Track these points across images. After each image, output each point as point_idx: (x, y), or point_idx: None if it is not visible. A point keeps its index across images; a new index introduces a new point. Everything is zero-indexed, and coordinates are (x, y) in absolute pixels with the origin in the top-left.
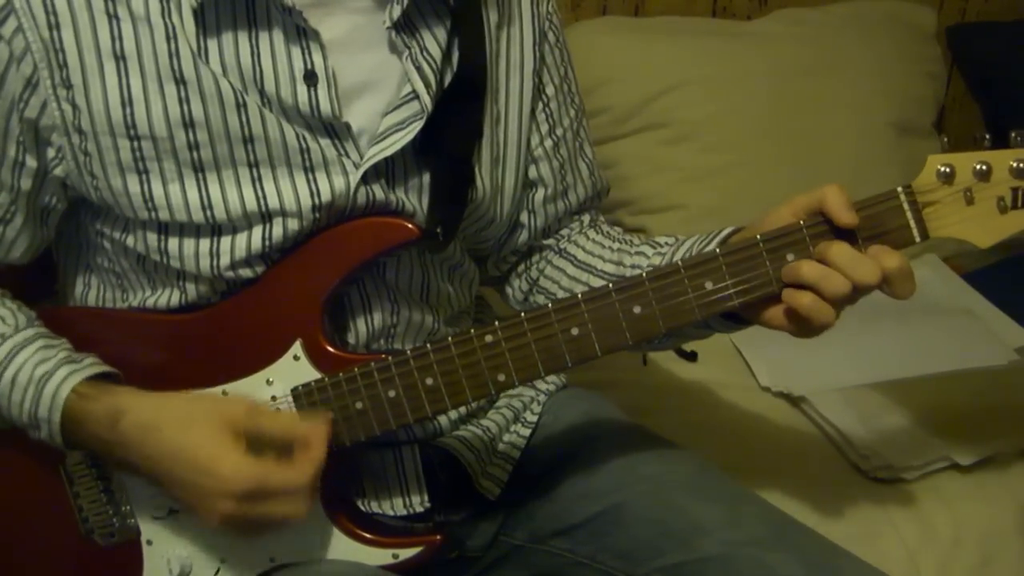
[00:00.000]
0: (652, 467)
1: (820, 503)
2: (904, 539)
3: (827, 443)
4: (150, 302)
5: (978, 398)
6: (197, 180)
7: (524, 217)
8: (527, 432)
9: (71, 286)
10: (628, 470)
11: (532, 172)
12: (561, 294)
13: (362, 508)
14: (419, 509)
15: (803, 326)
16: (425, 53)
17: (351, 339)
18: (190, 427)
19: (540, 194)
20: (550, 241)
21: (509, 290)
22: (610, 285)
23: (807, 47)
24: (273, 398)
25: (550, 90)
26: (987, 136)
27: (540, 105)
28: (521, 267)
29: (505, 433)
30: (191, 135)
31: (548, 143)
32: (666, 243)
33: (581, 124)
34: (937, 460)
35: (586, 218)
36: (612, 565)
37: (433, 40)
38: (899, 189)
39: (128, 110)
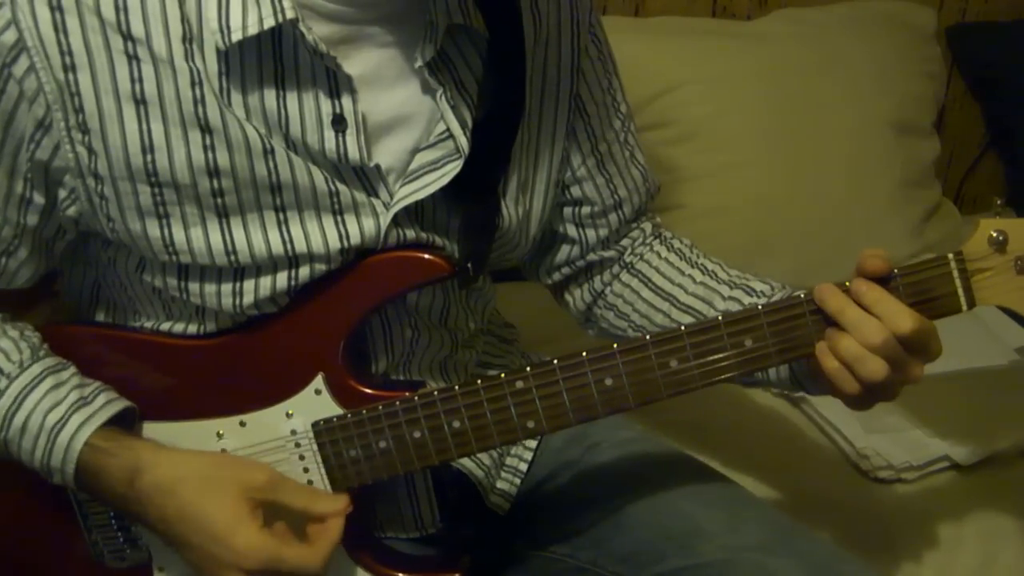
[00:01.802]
0: (652, 472)
1: (820, 503)
2: (904, 539)
3: (827, 443)
4: (164, 328)
5: (978, 398)
6: (220, 225)
7: (573, 231)
8: (534, 444)
9: (75, 300)
10: (628, 475)
11: (576, 191)
12: (636, 317)
13: (375, 534)
14: (431, 531)
15: (836, 394)
16: (461, 88)
17: (372, 366)
18: (209, 493)
19: (588, 210)
20: (611, 253)
21: (569, 299)
22: (647, 337)
23: (807, 47)
24: (293, 432)
25: (591, 108)
26: None
27: (581, 124)
28: (581, 278)
29: (512, 447)
30: (216, 182)
31: (591, 161)
32: (762, 293)
33: (628, 131)
34: (937, 460)
35: (647, 226)
36: (613, 570)
37: (469, 72)
38: (950, 256)
39: (149, 156)
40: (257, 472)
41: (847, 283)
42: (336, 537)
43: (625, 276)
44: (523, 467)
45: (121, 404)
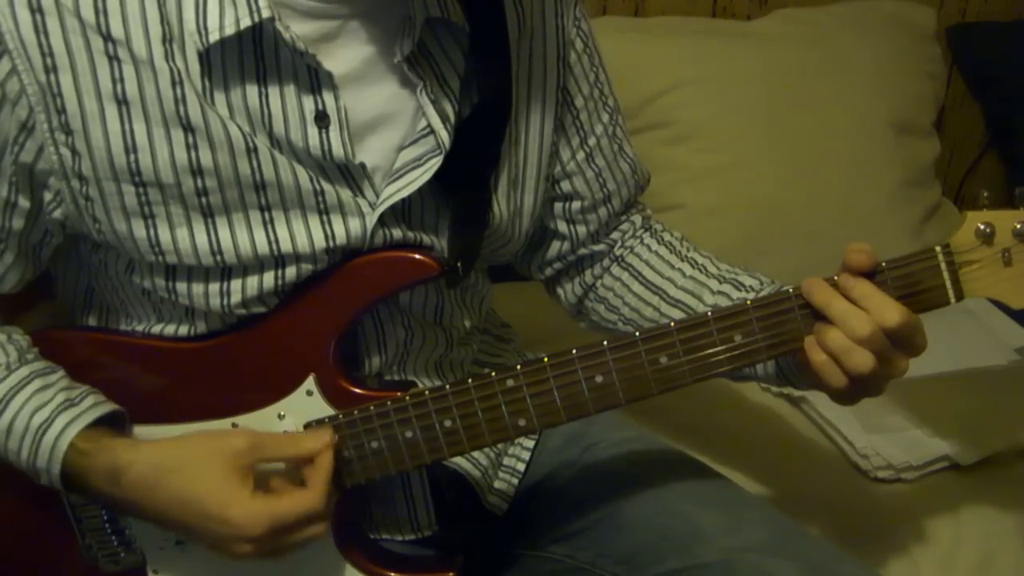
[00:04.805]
0: (652, 472)
1: (820, 503)
2: (904, 539)
3: (827, 443)
4: (155, 330)
5: (978, 398)
6: (206, 224)
7: (564, 227)
8: (531, 444)
9: (69, 303)
10: (628, 475)
11: (566, 186)
12: (626, 311)
13: (371, 535)
14: (427, 533)
15: (823, 388)
16: (442, 82)
17: (365, 367)
18: (194, 474)
19: (578, 205)
20: (601, 247)
21: (561, 292)
22: (637, 334)
23: (807, 47)
24: (285, 433)
25: (579, 101)
26: None
27: (569, 118)
28: (572, 271)
29: (510, 447)
30: (199, 181)
31: (580, 155)
32: (751, 287)
33: (617, 125)
34: (937, 460)
35: (637, 219)
36: (612, 571)
37: (451, 67)
38: (937, 248)
39: (132, 156)
40: (235, 438)
41: (835, 277)
42: (328, 469)
43: (615, 269)
44: (520, 467)
45: (109, 407)
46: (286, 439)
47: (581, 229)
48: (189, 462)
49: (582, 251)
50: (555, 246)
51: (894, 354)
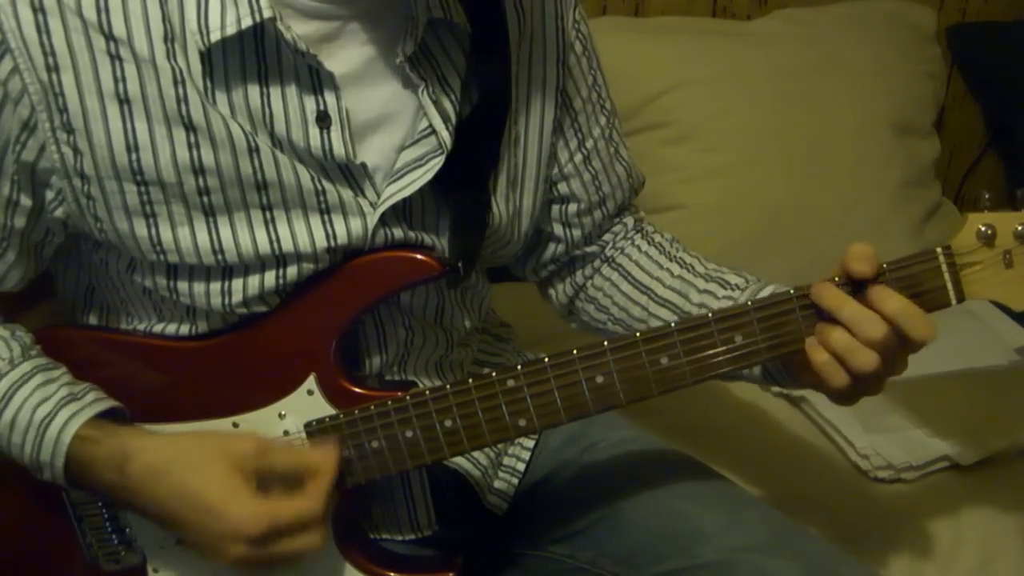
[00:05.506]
0: (651, 472)
1: (820, 503)
2: (904, 539)
3: (827, 443)
4: (156, 329)
5: (978, 398)
6: (207, 223)
7: (560, 230)
8: (531, 444)
9: (69, 302)
10: (628, 475)
11: (563, 188)
12: (615, 311)
13: (370, 535)
14: (427, 533)
15: (823, 388)
16: (443, 83)
17: (366, 366)
18: (199, 469)
19: (574, 207)
20: (593, 248)
21: (552, 292)
22: (637, 334)
23: (807, 47)
24: (286, 432)
25: (577, 103)
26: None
27: (568, 120)
28: (564, 272)
29: (510, 447)
30: (201, 180)
31: (578, 157)
32: (736, 286)
33: (613, 128)
34: (937, 460)
35: (629, 221)
36: (612, 571)
37: (452, 68)
38: (938, 250)
39: (134, 155)
40: (244, 441)
41: (835, 277)
42: (331, 481)
43: (606, 270)
44: (520, 467)
45: (110, 402)
46: (293, 450)
47: (576, 232)
48: (195, 456)
49: (575, 253)
50: (550, 249)
51: (898, 353)
